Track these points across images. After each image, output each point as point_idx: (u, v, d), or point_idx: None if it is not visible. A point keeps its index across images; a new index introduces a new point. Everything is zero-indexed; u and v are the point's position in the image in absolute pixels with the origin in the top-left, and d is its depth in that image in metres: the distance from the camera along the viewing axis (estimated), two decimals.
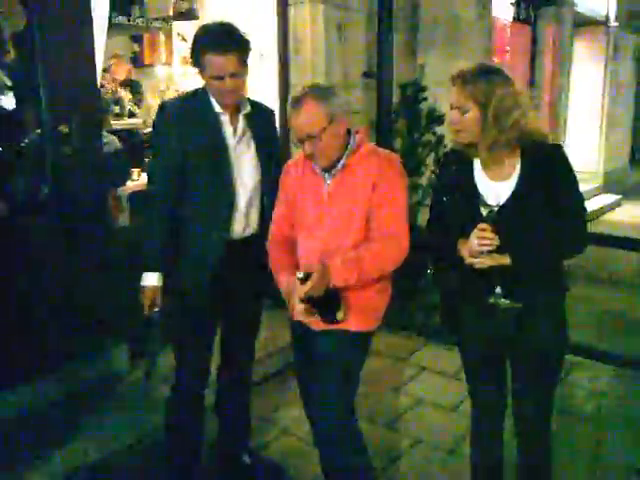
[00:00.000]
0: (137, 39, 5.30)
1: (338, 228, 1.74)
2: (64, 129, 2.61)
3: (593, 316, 3.97)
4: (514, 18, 6.29)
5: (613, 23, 8.16)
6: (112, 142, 3.30)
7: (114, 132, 3.93)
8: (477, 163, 1.74)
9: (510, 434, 1.89)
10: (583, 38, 8.10)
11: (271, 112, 2.19)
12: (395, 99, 3.89)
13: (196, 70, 1.94)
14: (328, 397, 1.81)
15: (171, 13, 4.79)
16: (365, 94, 3.95)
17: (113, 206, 3.02)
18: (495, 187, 1.69)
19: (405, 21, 4.25)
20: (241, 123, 2.00)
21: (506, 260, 1.64)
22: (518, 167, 1.68)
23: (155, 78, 5.30)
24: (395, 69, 3.86)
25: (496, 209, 1.64)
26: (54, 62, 2.56)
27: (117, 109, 4.59)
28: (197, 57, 1.87)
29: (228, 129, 1.97)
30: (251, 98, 2.12)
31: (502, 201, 1.66)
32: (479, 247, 1.62)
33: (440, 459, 2.41)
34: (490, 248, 1.62)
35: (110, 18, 3.52)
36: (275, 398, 2.84)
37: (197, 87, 2.04)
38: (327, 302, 1.68)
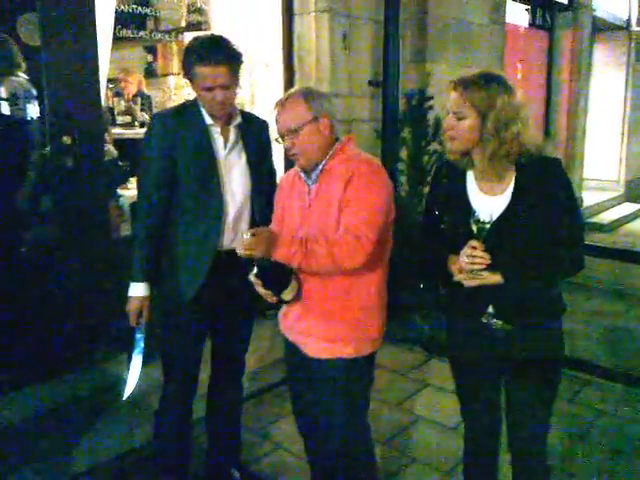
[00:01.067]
0: (151, 50, 5.39)
1: (314, 230, 1.69)
2: (67, 140, 2.65)
3: (605, 332, 3.85)
4: (530, 24, 6.18)
5: (635, 27, 7.97)
6: (109, 151, 3.34)
7: (123, 141, 3.99)
8: (470, 176, 1.68)
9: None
10: (603, 43, 7.94)
11: (265, 124, 2.18)
12: (402, 107, 3.85)
13: (187, 81, 1.95)
14: (330, 430, 1.80)
15: (183, 24, 4.87)
16: (371, 103, 3.92)
17: (115, 215, 3.04)
18: (489, 202, 1.63)
19: (413, 28, 4.22)
20: (232, 134, 1.99)
21: (497, 278, 1.57)
22: (513, 182, 1.61)
23: (167, 88, 5.37)
24: (403, 77, 3.82)
25: (488, 226, 1.57)
26: (57, 74, 2.60)
27: (128, 119, 4.66)
28: (188, 68, 1.87)
29: (219, 140, 1.96)
30: (244, 109, 2.11)
31: (495, 217, 1.60)
32: (469, 265, 1.56)
33: None
34: (480, 267, 1.56)
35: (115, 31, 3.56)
36: (270, 411, 2.81)
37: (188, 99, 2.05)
38: (276, 279, 1.65)
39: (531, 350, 1.66)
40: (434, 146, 3.83)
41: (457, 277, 1.61)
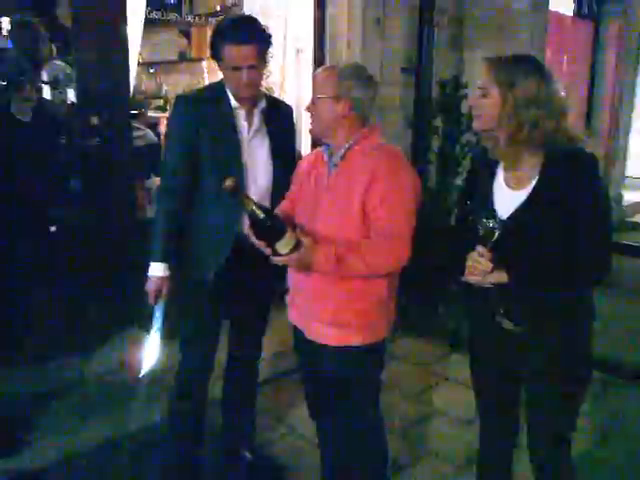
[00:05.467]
0: (185, 34, 5.42)
1: (330, 219, 1.67)
2: (94, 121, 2.70)
3: (631, 333, 3.69)
4: (575, 13, 5.95)
5: None
6: (147, 135, 3.38)
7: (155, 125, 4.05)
8: (500, 166, 1.61)
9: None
10: None
11: (289, 109, 2.17)
12: (435, 96, 3.77)
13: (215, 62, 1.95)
14: (339, 416, 1.80)
15: (219, 8, 4.88)
16: (403, 90, 3.85)
17: (141, 197, 3.09)
18: (510, 196, 1.55)
19: (449, 15, 4.10)
20: (257, 118, 1.98)
21: (503, 278, 1.49)
22: (537, 177, 1.52)
23: (201, 72, 5.40)
24: (438, 65, 3.73)
25: (497, 232, 1.47)
26: (86, 56, 2.64)
27: (161, 102, 4.73)
28: (216, 48, 1.86)
29: (243, 124, 1.96)
30: (271, 94, 2.10)
31: (509, 213, 1.52)
32: (473, 270, 1.51)
33: (448, 474, 2.31)
34: (479, 278, 1.50)
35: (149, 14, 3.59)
36: (286, 396, 2.82)
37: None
38: (268, 229, 1.55)
39: (547, 356, 1.57)
40: (468, 136, 3.73)
41: (465, 277, 1.55)
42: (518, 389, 1.70)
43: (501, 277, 1.50)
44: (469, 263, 1.52)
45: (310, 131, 1.78)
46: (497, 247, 1.49)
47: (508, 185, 1.57)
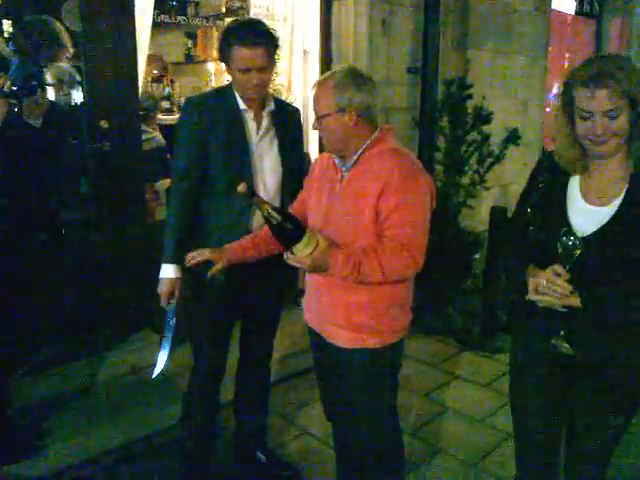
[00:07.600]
0: (191, 36, 5.44)
1: (342, 225, 1.66)
2: (104, 125, 2.70)
3: None
4: (577, 12, 5.95)
5: None
6: (155, 139, 3.38)
7: (164, 127, 4.05)
8: (575, 180, 1.45)
9: None
10: None
11: (297, 112, 2.18)
12: (441, 96, 3.78)
13: (224, 65, 1.96)
14: (356, 417, 1.79)
15: (224, 10, 4.89)
16: (409, 90, 3.85)
17: (150, 199, 3.09)
18: (591, 211, 1.39)
19: (455, 14, 4.11)
20: (265, 121, 1.99)
21: (575, 302, 1.35)
22: (624, 192, 1.36)
23: (207, 73, 5.42)
24: (442, 65, 3.74)
25: (577, 252, 1.33)
26: (96, 59, 2.64)
27: (167, 104, 4.73)
28: (225, 50, 1.87)
29: (251, 126, 1.96)
30: (278, 96, 2.11)
31: (590, 231, 1.37)
32: (547, 290, 1.37)
33: (460, 472, 2.32)
34: (556, 299, 1.36)
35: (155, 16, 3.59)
36: (299, 397, 2.83)
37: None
38: (287, 233, 1.50)
39: (606, 385, 1.46)
40: (473, 136, 3.74)
41: (530, 296, 1.41)
42: (563, 419, 1.59)
43: (572, 300, 1.36)
44: (543, 283, 1.37)
45: (327, 150, 1.76)
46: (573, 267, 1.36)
47: (586, 199, 1.42)
